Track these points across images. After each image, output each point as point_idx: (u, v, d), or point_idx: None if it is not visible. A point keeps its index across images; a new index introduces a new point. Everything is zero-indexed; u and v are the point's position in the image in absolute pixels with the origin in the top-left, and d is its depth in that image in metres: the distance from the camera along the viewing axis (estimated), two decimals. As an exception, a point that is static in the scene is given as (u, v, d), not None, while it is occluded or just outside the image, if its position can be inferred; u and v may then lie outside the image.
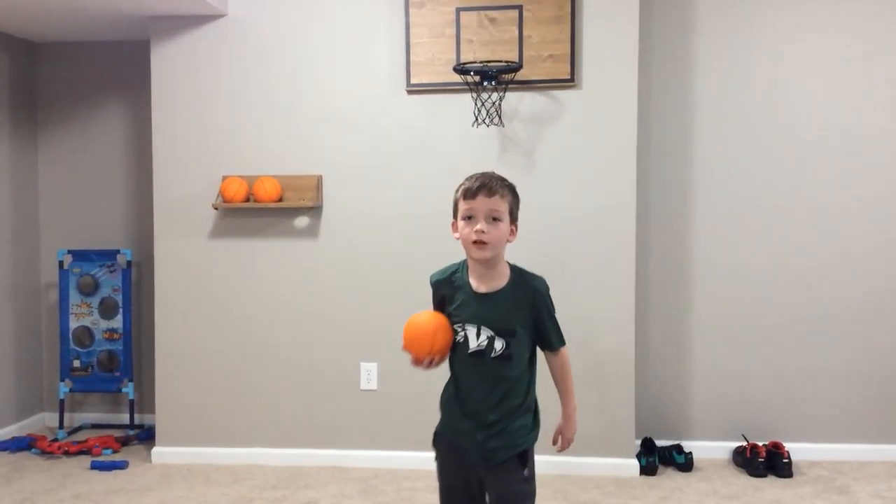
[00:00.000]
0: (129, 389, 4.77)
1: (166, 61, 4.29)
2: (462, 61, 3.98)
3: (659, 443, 4.29)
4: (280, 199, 4.17)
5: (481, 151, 4.07)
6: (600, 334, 4.07)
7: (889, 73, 4.26)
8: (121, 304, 4.80)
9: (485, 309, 2.25)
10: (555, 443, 2.50)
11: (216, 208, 4.22)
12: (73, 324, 4.80)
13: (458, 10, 4.02)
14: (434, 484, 2.40)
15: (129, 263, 4.81)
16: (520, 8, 3.99)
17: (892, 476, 4.06)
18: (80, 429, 4.92)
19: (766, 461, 4.04)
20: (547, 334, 2.31)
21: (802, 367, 4.33)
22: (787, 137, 4.30)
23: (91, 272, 4.81)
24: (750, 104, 4.31)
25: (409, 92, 4.13)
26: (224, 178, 4.22)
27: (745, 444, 4.20)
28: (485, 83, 3.89)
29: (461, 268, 2.33)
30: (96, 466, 4.21)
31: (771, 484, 3.95)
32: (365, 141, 4.19)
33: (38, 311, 5.06)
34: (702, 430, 4.39)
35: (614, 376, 4.08)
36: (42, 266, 5.05)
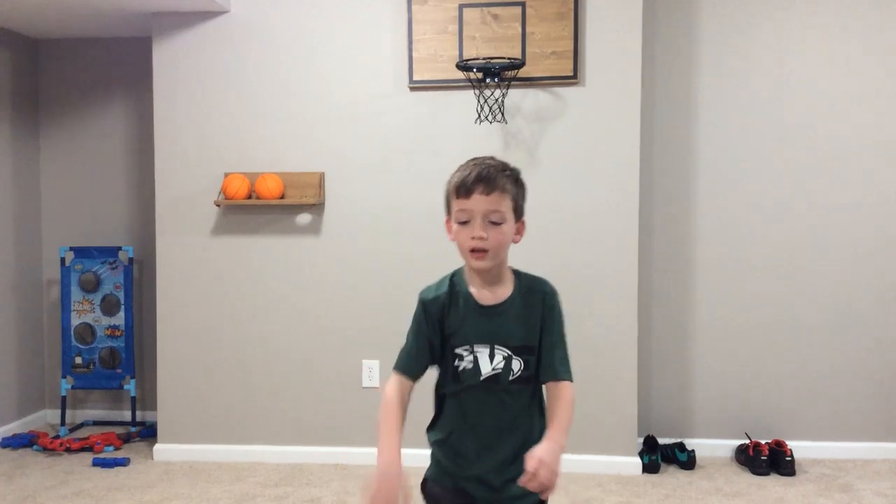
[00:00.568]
0: (130, 386, 4.77)
1: (169, 58, 4.28)
2: (465, 58, 3.97)
3: (661, 441, 4.28)
4: (282, 197, 4.17)
5: (484, 149, 4.05)
6: (603, 332, 4.06)
7: (894, 72, 4.25)
8: (122, 301, 4.79)
9: (495, 324, 1.89)
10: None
11: (218, 205, 4.22)
12: (75, 321, 4.80)
13: (461, 7, 4.01)
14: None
15: (130, 260, 4.81)
16: (523, 4, 3.98)
17: (894, 474, 4.05)
18: (81, 426, 4.92)
19: (768, 459, 4.04)
20: (551, 356, 1.91)
21: (805, 366, 4.33)
22: (791, 135, 4.29)
23: (93, 269, 4.81)
24: (754, 101, 4.30)
25: (412, 89, 4.12)
26: (226, 175, 4.21)
27: (747, 442, 4.19)
28: (487, 80, 3.88)
29: (459, 276, 1.96)
30: (98, 463, 4.21)
31: (774, 482, 3.95)
32: (367, 138, 4.19)
33: (40, 308, 5.06)
34: (704, 428, 4.38)
35: (617, 374, 4.08)
36: (44, 263, 5.05)
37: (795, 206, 4.31)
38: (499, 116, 3.96)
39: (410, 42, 4.08)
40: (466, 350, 1.90)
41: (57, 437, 4.58)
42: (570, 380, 1.90)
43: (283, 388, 4.29)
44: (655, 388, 4.40)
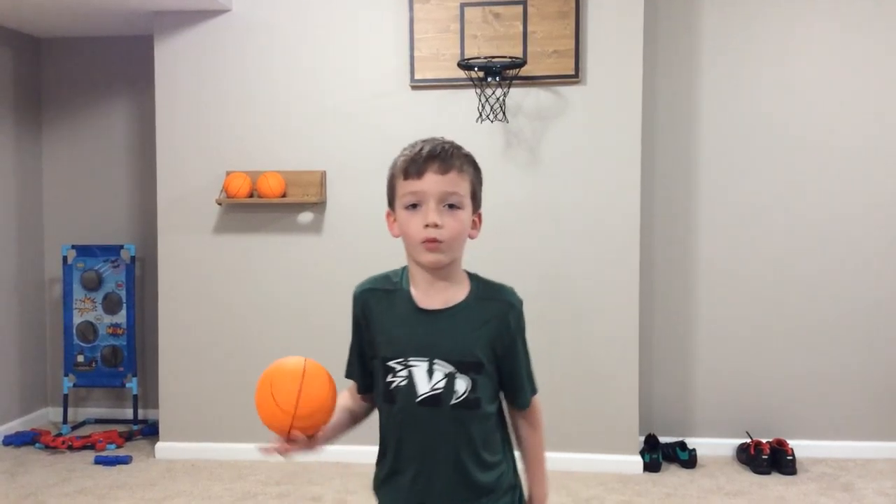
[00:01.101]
0: (132, 385, 4.77)
1: (170, 57, 4.29)
2: (466, 57, 3.97)
3: (663, 439, 4.29)
4: (284, 195, 4.17)
5: (485, 147, 4.06)
6: (604, 331, 4.06)
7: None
8: (124, 300, 4.80)
9: (437, 333, 1.57)
10: None
11: (220, 204, 4.22)
12: (77, 319, 4.81)
13: (463, 6, 4.01)
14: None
15: (132, 259, 4.81)
16: (524, 3, 3.98)
17: (896, 473, 4.06)
18: (83, 424, 4.92)
19: (770, 458, 4.04)
20: (517, 376, 1.63)
21: (806, 365, 4.32)
22: (793, 135, 4.29)
23: (95, 267, 4.81)
24: (755, 100, 4.30)
25: (414, 87, 4.12)
26: (228, 173, 4.21)
27: (749, 441, 4.19)
28: (489, 79, 3.88)
29: (401, 276, 1.66)
30: (100, 461, 4.21)
31: (775, 481, 3.95)
32: (369, 137, 4.19)
33: (42, 307, 5.07)
34: (706, 427, 4.38)
35: (618, 373, 4.08)
36: (46, 261, 5.05)
37: (797, 204, 4.30)
38: (500, 115, 3.96)
39: (412, 41, 4.08)
40: (400, 363, 1.58)
41: (59, 435, 4.59)
42: (536, 391, 1.68)
43: (284, 386, 4.29)
44: (657, 387, 4.40)
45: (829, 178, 4.28)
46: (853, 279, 4.29)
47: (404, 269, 1.67)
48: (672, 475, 4.04)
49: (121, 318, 4.80)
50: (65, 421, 4.77)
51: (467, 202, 1.58)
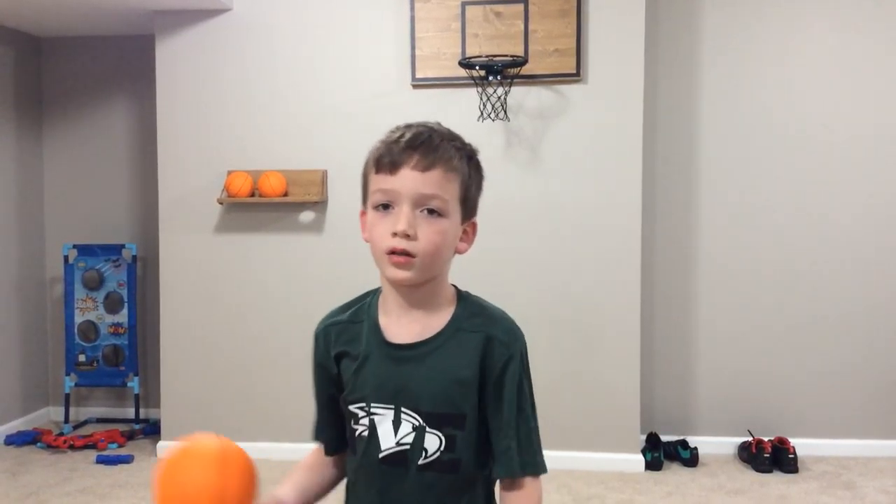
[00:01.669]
0: (134, 384, 4.78)
1: (171, 56, 4.29)
2: (467, 55, 3.97)
3: (664, 438, 4.28)
4: (285, 194, 4.17)
5: (486, 146, 4.04)
6: (606, 330, 4.06)
7: (896, 68, 4.25)
8: (126, 299, 4.80)
9: (406, 375, 1.27)
10: None
11: (221, 203, 4.22)
12: (79, 318, 4.81)
13: (464, 5, 4.01)
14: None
15: (134, 258, 4.82)
16: (525, 2, 3.97)
17: (897, 472, 4.06)
18: (85, 423, 4.93)
19: (771, 457, 4.04)
20: (507, 441, 1.26)
21: (808, 363, 4.32)
22: (794, 134, 4.28)
23: (96, 267, 4.81)
24: (757, 98, 4.29)
25: (415, 86, 4.12)
26: (229, 172, 4.21)
27: (750, 439, 4.19)
28: (490, 78, 3.88)
29: (373, 298, 1.36)
30: (102, 461, 4.22)
31: (776, 479, 3.95)
32: (370, 136, 4.13)
33: (44, 306, 5.07)
34: (707, 425, 4.38)
35: (620, 371, 4.08)
36: (47, 261, 5.05)
37: (798, 203, 4.30)
38: (501, 114, 3.96)
39: (413, 40, 4.07)
40: (362, 409, 1.30)
41: (61, 434, 4.59)
42: (538, 472, 1.28)
43: (286, 384, 4.29)
44: (658, 386, 4.40)
45: (830, 177, 4.28)
46: (854, 278, 4.29)
47: (376, 292, 1.37)
48: (673, 474, 4.04)
49: (122, 317, 4.80)
50: (66, 420, 4.77)
51: (454, 208, 1.25)
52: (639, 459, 4.08)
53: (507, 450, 1.26)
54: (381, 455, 1.28)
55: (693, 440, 4.28)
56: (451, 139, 1.27)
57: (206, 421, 4.33)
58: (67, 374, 4.79)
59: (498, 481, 1.31)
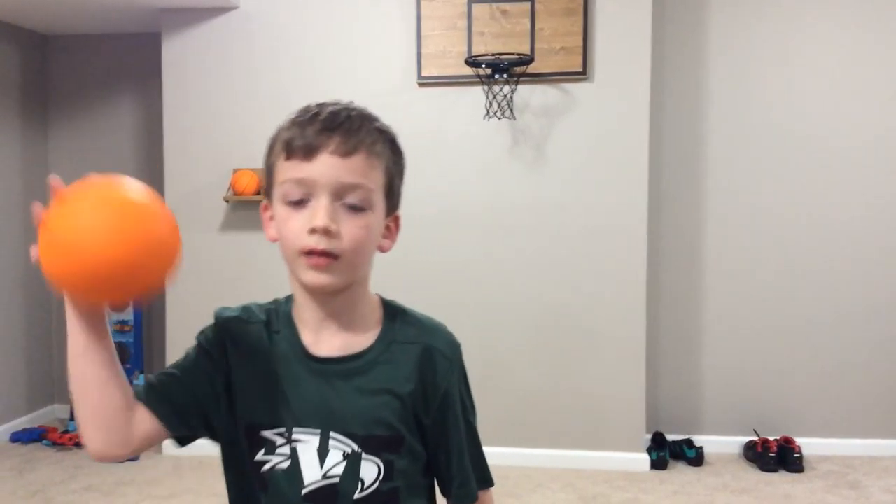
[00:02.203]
0: (139, 382, 4.78)
1: (177, 54, 4.29)
2: (474, 54, 3.96)
3: (669, 437, 4.28)
4: (291, 192, 4.17)
5: (492, 145, 4.06)
6: (611, 328, 4.05)
7: (904, 67, 4.24)
8: (131, 297, 4.80)
9: (335, 393, 1.10)
10: None
11: (227, 201, 4.22)
12: (84, 316, 4.81)
13: (470, 3, 4.01)
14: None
15: (139, 256, 4.82)
16: (532, 0, 3.97)
17: (904, 472, 4.05)
18: (91, 420, 4.93)
19: (776, 456, 4.03)
20: (453, 457, 1.15)
21: (813, 363, 4.31)
22: (800, 133, 4.27)
23: (102, 264, 4.81)
24: (763, 98, 4.28)
25: (421, 85, 4.12)
26: (235, 171, 4.22)
27: (755, 438, 4.19)
28: (496, 76, 3.87)
29: (286, 306, 1.18)
30: (107, 458, 4.22)
31: (782, 479, 3.94)
32: (376, 134, 4.18)
33: (49, 303, 5.07)
34: (713, 424, 4.38)
35: (625, 370, 4.07)
36: (53, 258, 5.05)
37: (804, 203, 4.29)
38: (507, 113, 3.95)
39: (419, 38, 4.07)
40: (280, 435, 1.09)
41: (66, 431, 4.60)
42: (490, 485, 1.20)
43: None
44: (664, 385, 4.40)
45: (836, 177, 4.27)
46: (860, 277, 4.28)
47: (287, 299, 1.18)
48: (679, 473, 4.04)
49: (127, 315, 4.81)
50: (72, 418, 4.78)
51: (378, 200, 1.09)
52: (644, 458, 4.08)
53: (463, 473, 1.15)
54: (303, 491, 1.08)
55: (698, 439, 4.27)
56: (372, 119, 1.12)
57: (211, 419, 4.34)
58: (73, 371, 4.79)
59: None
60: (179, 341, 4.34)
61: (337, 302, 1.11)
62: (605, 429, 4.06)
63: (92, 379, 1.10)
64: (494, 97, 3.92)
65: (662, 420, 4.39)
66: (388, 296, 1.23)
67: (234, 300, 4.32)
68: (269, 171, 1.13)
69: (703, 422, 4.39)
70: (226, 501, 1.19)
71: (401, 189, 1.16)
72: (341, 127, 1.06)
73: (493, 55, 3.89)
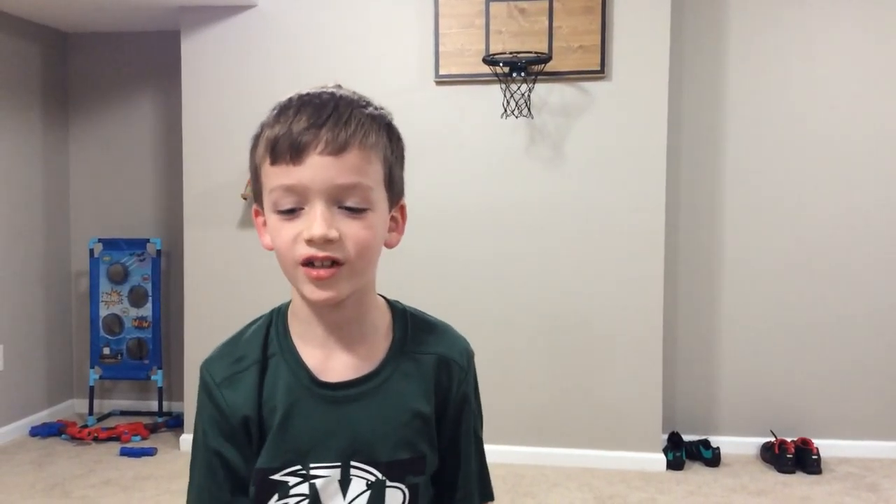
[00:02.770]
0: (157, 377, 4.81)
1: (196, 52, 4.31)
2: (491, 52, 3.96)
3: (686, 437, 4.26)
4: (308, 190, 4.17)
5: (510, 143, 4.06)
6: (628, 328, 4.04)
7: (926, 66, 4.20)
8: (150, 293, 4.84)
9: (352, 420, 1.01)
10: None
11: (245, 198, 4.24)
12: (103, 312, 4.85)
13: (488, 1, 4.00)
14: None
15: (158, 252, 4.85)
16: (550, -2, 3.96)
17: (923, 474, 4.01)
18: (109, 415, 4.97)
19: (794, 457, 4.00)
20: (467, 476, 1.10)
21: (831, 364, 4.28)
22: (819, 132, 4.24)
23: (121, 261, 4.86)
24: (783, 97, 4.25)
25: (438, 83, 4.12)
26: (253, 168, 4.23)
27: (773, 440, 4.16)
28: (514, 74, 3.87)
29: (280, 323, 1.12)
30: (125, 453, 4.25)
31: (799, 480, 3.91)
32: (393, 132, 4.18)
33: (69, 299, 5.12)
34: (730, 425, 4.35)
35: (642, 370, 4.06)
36: (73, 254, 5.10)
37: (823, 202, 4.26)
38: (525, 111, 3.95)
39: (437, 36, 4.07)
40: (293, 474, 1.00)
41: (85, 426, 4.63)
42: (492, 498, 1.14)
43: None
44: (681, 385, 4.38)
45: (856, 176, 4.23)
46: (879, 277, 4.24)
47: (278, 314, 1.12)
48: (695, 473, 4.02)
49: (146, 311, 4.84)
50: (90, 412, 4.82)
51: (380, 195, 1.00)
52: (661, 459, 4.06)
53: (467, 485, 1.10)
54: None
55: (715, 440, 4.25)
56: (362, 105, 1.00)
57: (228, 415, 4.36)
58: (92, 366, 4.84)
59: None
60: (197, 337, 4.36)
61: (343, 313, 1.01)
62: (621, 428, 4.05)
63: None
64: (512, 95, 3.91)
65: (679, 420, 4.37)
66: (405, 298, 1.16)
67: (252, 297, 4.36)
68: (254, 174, 1.01)
69: (719, 422, 4.37)
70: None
71: (402, 176, 1.06)
72: (329, 120, 0.95)
73: (510, 53, 3.88)
